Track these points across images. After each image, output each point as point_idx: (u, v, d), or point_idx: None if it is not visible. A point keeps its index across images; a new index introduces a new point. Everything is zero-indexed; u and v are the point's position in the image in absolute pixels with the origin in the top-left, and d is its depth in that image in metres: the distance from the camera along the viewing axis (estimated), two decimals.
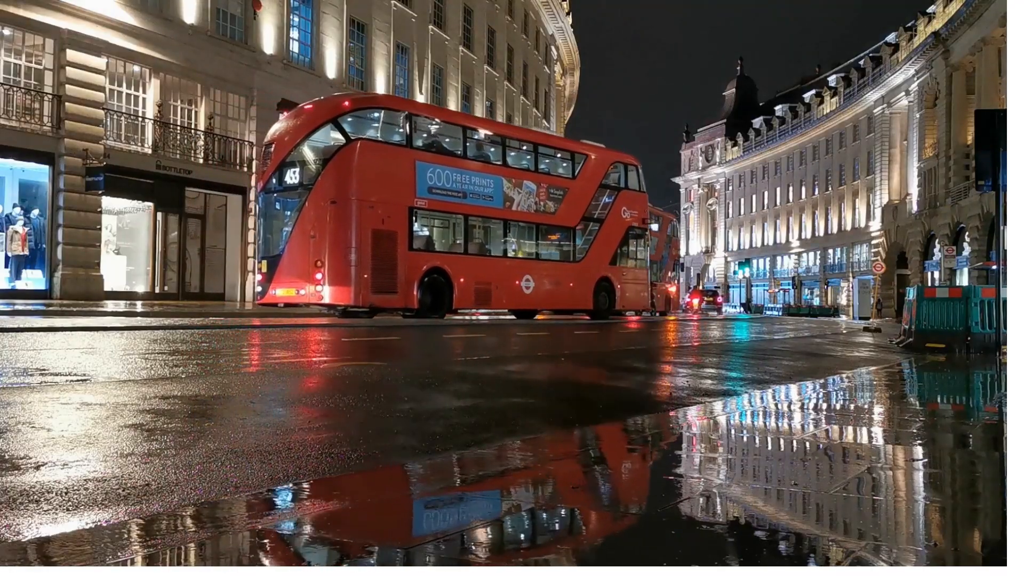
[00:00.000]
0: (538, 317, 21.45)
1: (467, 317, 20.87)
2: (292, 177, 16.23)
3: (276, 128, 17.28)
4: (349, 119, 16.34)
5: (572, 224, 21.15)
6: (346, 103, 16.96)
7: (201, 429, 3.45)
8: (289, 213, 16.34)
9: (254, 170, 17.60)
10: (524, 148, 20.61)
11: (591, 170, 21.87)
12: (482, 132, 19.88)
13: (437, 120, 18.96)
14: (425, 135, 17.93)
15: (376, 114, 17.04)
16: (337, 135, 16.13)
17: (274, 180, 16.56)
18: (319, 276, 15.51)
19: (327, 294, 15.56)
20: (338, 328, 12.67)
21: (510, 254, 19.69)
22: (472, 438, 3.50)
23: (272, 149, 16.74)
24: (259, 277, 16.77)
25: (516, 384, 5.82)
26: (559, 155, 21.68)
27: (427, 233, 17.53)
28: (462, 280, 17.78)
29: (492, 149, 19.52)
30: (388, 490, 2.54)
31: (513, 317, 21.33)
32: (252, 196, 17.89)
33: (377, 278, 15.87)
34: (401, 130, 17.11)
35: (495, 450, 3.16)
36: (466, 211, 18.21)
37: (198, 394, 4.50)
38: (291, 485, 2.51)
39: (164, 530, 1.96)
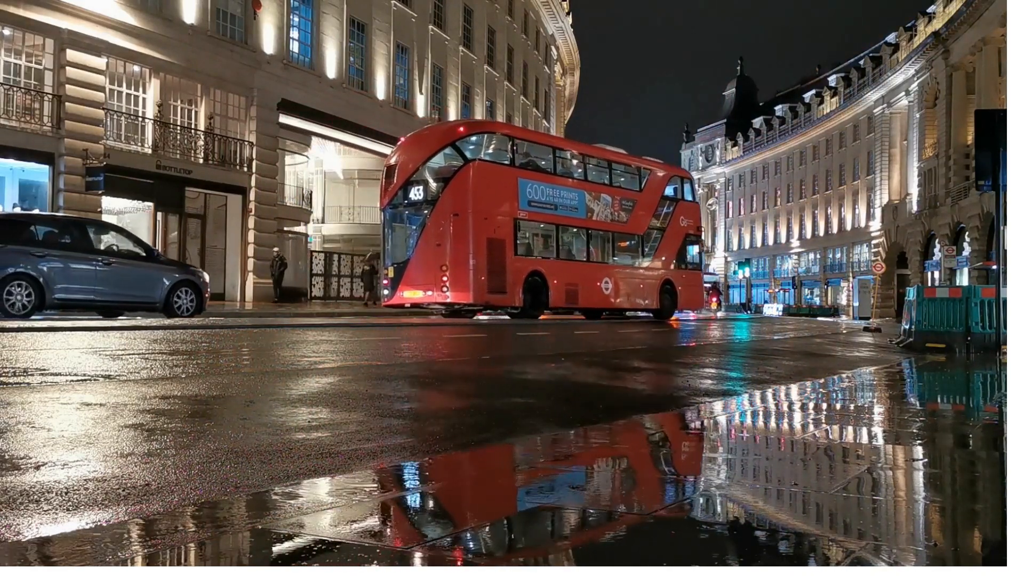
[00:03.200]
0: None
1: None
2: (416, 194, 18.69)
3: (399, 151, 19.81)
4: (464, 143, 18.87)
5: (640, 232, 23.67)
6: (461, 129, 20.07)
7: (201, 429, 3.45)
8: (414, 226, 18.83)
9: (381, 189, 20.05)
10: (601, 165, 23.11)
11: (654, 183, 24.43)
12: (568, 151, 22.56)
13: (533, 142, 22.06)
14: (524, 155, 20.46)
15: (486, 138, 19.66)
16: (455, 157, 18.62)
17: (400, 197, 18.95)
18: (444, 279, 17.90)
19: (450, 295, 18.01)
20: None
21: (592, 259, 22.03)
22: (474, 437, 3.51)
23: (397, 169, 19.13)
24: (384, 281, 19.41)
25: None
26: (628, 170, 24.05)
27: (528, 241, 20.04)
28: (555, 282, 20.11)
29: (576, 166, 22.17)
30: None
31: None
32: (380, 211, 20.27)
33: (491, 280, 18.28)
34: (506, 151, 19.69)
35: (502, 446, 3.16)
36: (557, 221, 20.72)
37: (197, 394, 4.50)
38: (290, 484, 2.51)
39: (164, 530, 1.96)
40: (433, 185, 18.42)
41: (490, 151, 19.30)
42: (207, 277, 14.65)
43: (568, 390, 5.78)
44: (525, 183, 19.69)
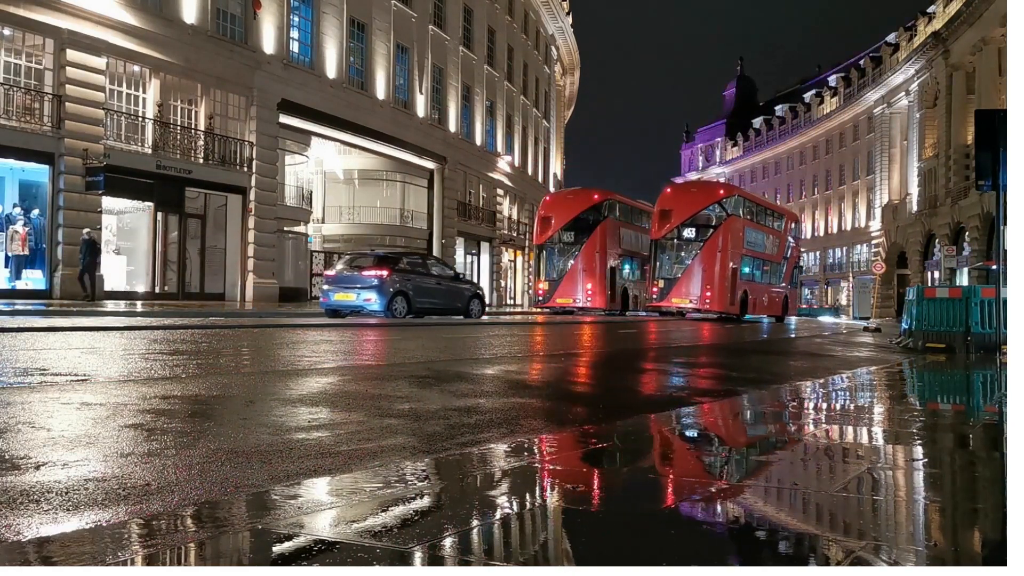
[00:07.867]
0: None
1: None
2: (689, 234, 27.83)
3: (669, 200, 28.78)
4: (723, 202, 28.13)
5: (779, 261, 33.13)
6: (722, 191, 29.41)
7: (212, 429, 3.45)
8: (683, 254, 27.88)
9: (650, 224, 29.60)
10: (769, 212, 33.39)
11: (786, 224, 34.48)
12: (761, 205, 32.77)
13: (751, 200, 31.38)
14: (747, 207, 29.93)
15: (734, 199, 28.85)
16: (716, 211, 27.95)
17: (674, 234, 27.87)
18: (707, 293, 26.89)
19: (708, 303, 26.86)
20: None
21: (762, 281, 31.01)
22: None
23: (672, 214, 27.97)
24: (654, 290, 28.31)
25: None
26: (778, 216, 34.24)
27: (743, 268, 28.52)
28: (751, 297, 29.12)
29: (762, 214, 31.59)
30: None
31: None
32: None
33: (731, 296, 27.44)
34: (741, 206, 29.00)
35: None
36: (755, 255, 30.00)
37: (197, 393, 4.50)
38: (290, 484, 2.51)
39: (164, 530, 1.96)
40: (700, 229, 27.49)
41: (734, 207, 28.29)
42: (485, 290, 18.56)
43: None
44: (747, 229, 28.94)
